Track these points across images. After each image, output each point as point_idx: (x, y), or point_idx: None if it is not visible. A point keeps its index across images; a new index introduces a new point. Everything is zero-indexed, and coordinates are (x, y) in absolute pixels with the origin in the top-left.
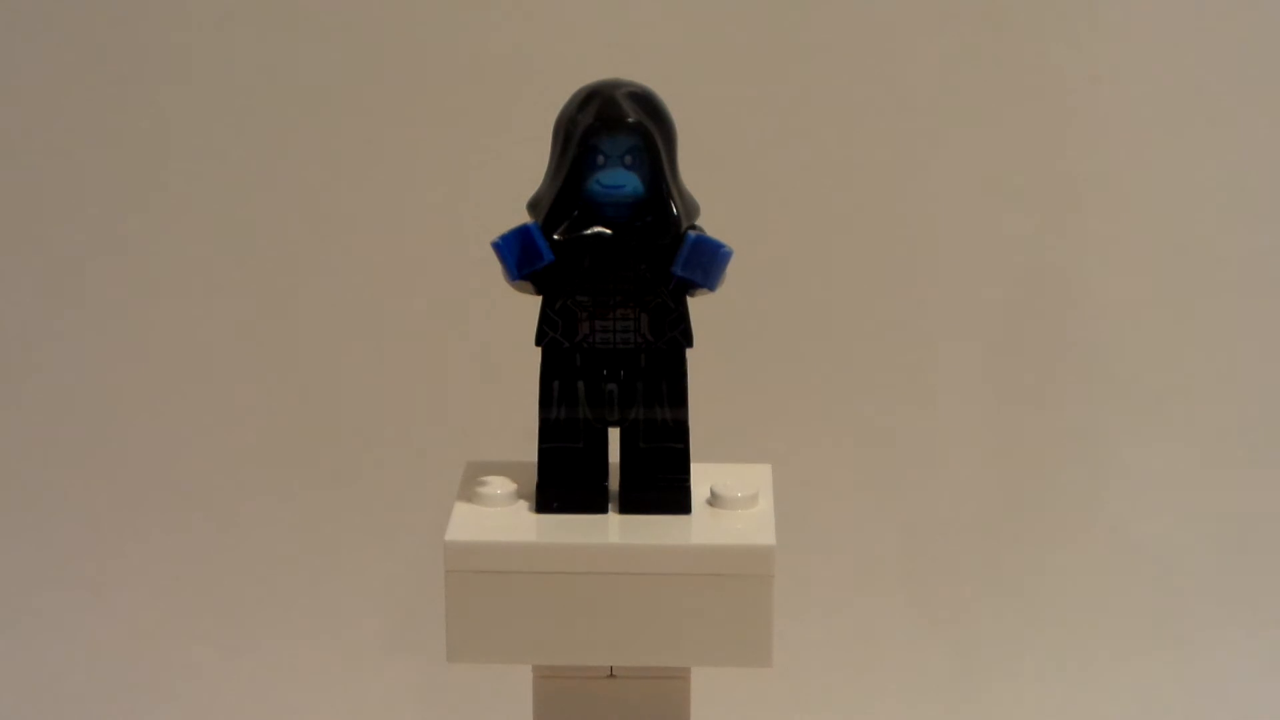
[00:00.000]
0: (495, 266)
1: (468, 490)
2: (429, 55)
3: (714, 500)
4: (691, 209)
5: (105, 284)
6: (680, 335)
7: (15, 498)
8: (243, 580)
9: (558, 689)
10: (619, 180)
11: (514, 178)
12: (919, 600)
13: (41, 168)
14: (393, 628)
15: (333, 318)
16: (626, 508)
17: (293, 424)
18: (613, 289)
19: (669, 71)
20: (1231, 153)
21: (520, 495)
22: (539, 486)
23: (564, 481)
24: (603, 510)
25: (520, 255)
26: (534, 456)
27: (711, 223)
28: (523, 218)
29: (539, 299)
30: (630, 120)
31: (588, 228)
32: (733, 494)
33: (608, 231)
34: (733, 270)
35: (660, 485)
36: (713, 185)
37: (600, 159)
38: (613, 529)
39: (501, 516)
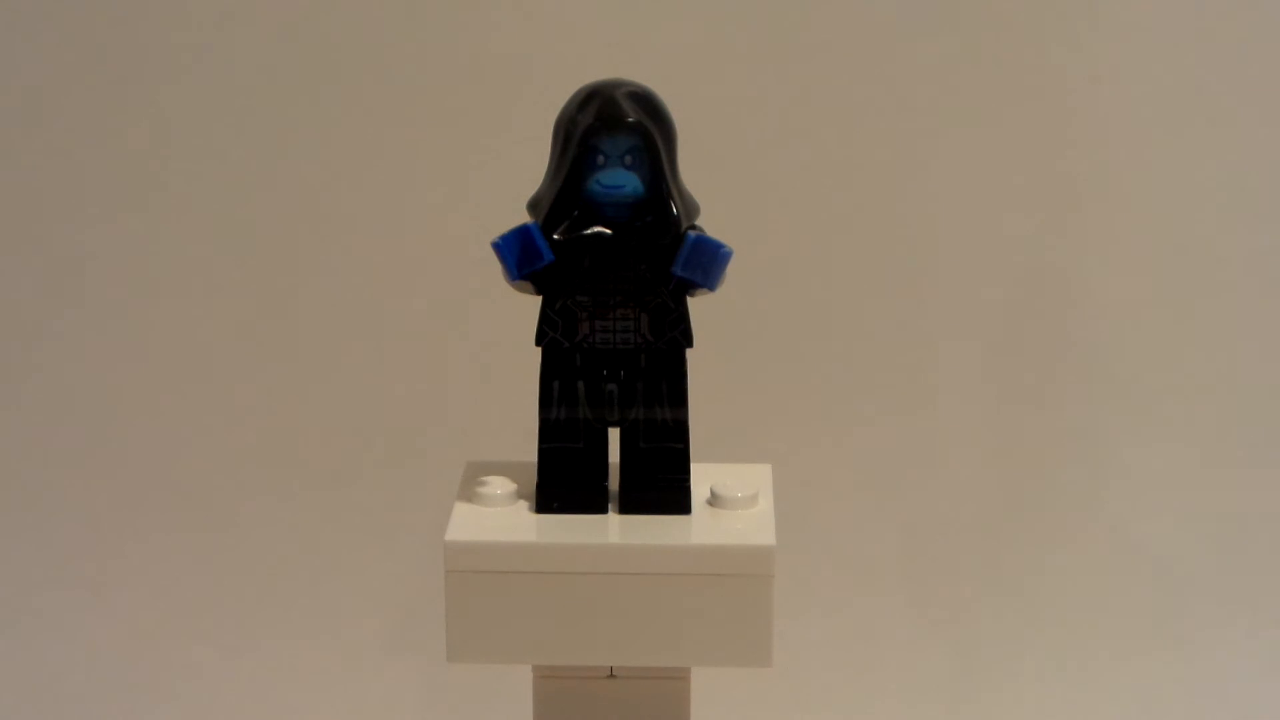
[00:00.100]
0: (495, 266)
1: (468, 490)
2: (429, 55)
3: (714, 500)
4: (691, 209)
5: (105, 284)
6: (680, 335)
7: (15, 498)
8: (242, 580)
9: (558, 689)
10: (619, 180)
11: (514, 178)
12: (919, 600)
13: (41, 168)
14: (393, 628)
15: (333, 318)
16: (626, 508)
17: (293, 424)
18: (613, 289)
19: (669, 71)
20: (1231, 153)
21: (520, 495)
22: (539, 486)
23: (564, 481)
24: (603, 510)
25: (520, 255)
26: (534, 456)
27: (711, 223)
28: (523, 218)
29: (539, 299)
30: (630, 120)
31: (588, 228)
32: (733, 494)
33: (608, 231)
34: (733, 270)
35: (660, 485)
36: (713, 185)
37: (600, 159)
38: (613, 529)
39: (501, 516)
